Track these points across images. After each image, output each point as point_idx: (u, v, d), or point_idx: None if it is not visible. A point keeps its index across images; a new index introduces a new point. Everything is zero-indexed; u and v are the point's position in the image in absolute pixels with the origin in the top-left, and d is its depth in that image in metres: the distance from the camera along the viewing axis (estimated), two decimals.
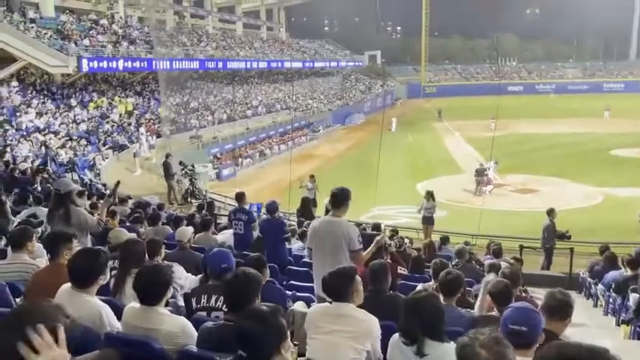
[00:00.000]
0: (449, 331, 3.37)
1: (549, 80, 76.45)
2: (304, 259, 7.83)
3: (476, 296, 5.92)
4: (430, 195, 16.07)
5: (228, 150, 31.21)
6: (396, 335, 3.30)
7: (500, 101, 55.55)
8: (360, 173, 24.60)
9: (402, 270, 7.86)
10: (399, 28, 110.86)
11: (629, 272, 8.60)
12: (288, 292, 5.46)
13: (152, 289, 3.31)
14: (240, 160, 30.61)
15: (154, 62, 30.77)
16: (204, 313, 3.96)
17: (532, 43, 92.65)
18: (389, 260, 6.98)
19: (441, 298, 4.03)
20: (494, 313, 4.23)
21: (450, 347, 2.99)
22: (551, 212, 13.32)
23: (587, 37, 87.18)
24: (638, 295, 7.53)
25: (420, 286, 5.60)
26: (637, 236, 13.53)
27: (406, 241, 12.45)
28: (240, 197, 9.24)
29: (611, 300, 8.96)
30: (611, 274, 9.23)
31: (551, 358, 1.48)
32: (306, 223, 11.30)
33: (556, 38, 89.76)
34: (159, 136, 27.55)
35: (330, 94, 56.34)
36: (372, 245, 5.41)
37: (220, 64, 42.24)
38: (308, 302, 5.05)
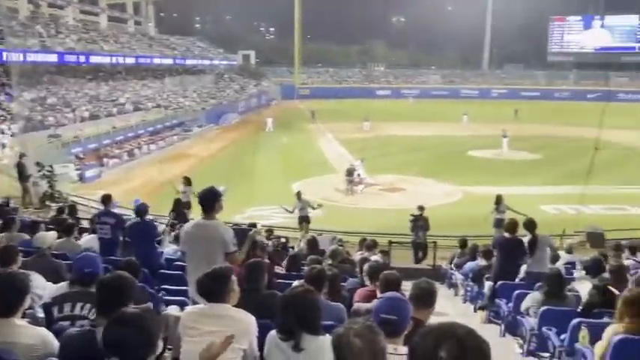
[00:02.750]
0: (323, 324, 3.44)
1: (414, 85, 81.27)
2: (177, 263, 7.60)
3: (349, 290, 6.10)
4: (299, 195, 16.58)
5: (92, 150, 29.26)
6: (273, 332, 3.31)
7: (370, 105, 58.31)
8: (235, 173, 24.39)
9: (279, 269, 7.90)
10: (272, 29, 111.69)
11: (484, 262, 9.37)
12: (160, 296, 5.26)
13: (7, 300, 3.03)
14: (105, 160, 28.77)
15: (4, 54, 28.13)
16: (67, 323, 3.67)
17: (399, 50, 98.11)
18: (266, 260, 6.97)
19: None
20: (370, 304, 4.39)
21: (326, 339, 3.05)
22: (422, 209, 14.32)
23: (447, 46, 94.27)
24: (491, 283, 8.24)
25: (296, 283, 5.65)
26: (491, 229, 14.83)
27: (282, 239, 12.56)
28: (106, 200, 8.76)
29: (469, 288, 9.72)
30: (469, 265, 10.02)
31: (433, 334, 1.54)
32: (178, 225, 10.93)
33: (419, 46, 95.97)
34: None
35: (203, 92, 55.15)
36: (247, 242, 5.37)
37: (82, 58, 39.59)
38: (182, 306, 4.91)
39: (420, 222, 14.15)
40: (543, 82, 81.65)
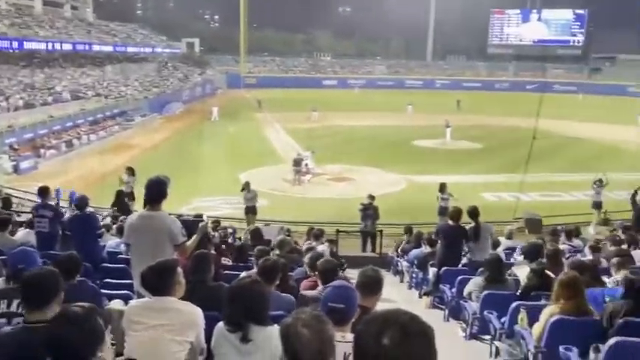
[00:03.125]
0: (271, 315, 3.44)
1: (360, 76, 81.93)
2: (121, 256, 7.41)
3: (297, 280, 6.12)
4: (247, 185, 16.47)
5: (27, 140, 28.00)
6: (221, 324, 3.28)
7: (317, 94, 58.36)
8: (180, 164, 23.92)
9: (225, 260, 7.83)
10: (216, 16, 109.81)
11: (428, 249, 9.60)
12: (103, 290, 5.12)
13: None
14: (42, 151, 27.58)
15: None
16: (3, 320, 3.51)
17: (345, 40, 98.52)
18: (213, 251, 6.90)
19: None
20: (316, 292, 4.42)
21: (274, 330, 3.05)
22: (372, 198, 14.50)
23: (392, 37, 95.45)
24: (436, 270, 8.45)
25: (243, 274, 5.61)
26: (435, 217, 15.21)
27: (229, 230, 12.45)
28: (43, 192, 8.42)
29: (414, 275, 9.93)
30: (414, 252, 10.23)
31: (376, 321, 1.56)
32: (122, 217, 10.66)
33: (365, 37, 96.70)
34: None
35: (145, 81, 53.66)
36: (197, 234, 5.29)
37: (15, 44, 37.70)
38: (126, 300, 4.78)
39: (369, 211, 14.34)
40: (484, 73, 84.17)
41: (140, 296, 4.37)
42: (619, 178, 19.05)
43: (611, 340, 3.89)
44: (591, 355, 4.17)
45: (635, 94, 67.38)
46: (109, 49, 53.69)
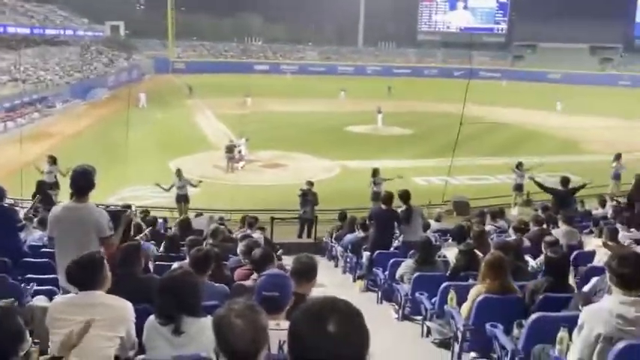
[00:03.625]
0: (205, 305, 3.39)
1: (292, 61, 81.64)
2: (44, 250, 7.06)
3: (231, 269, 6.06)
4: (179, 173, 16.10)
5: None
6: (152, 317, 3.20)
7: (248, 80, 57.62)
8: (106, 152, 23.04)
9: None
10: None
11: (362, 234, 9.76)
12: (25, 286, 4.87)
13: None
14: None
15: None
16: None
17: (276, 25, 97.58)
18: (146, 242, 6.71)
19: None
20: (251, 281, 4.40)
21: (207, 321, 3.01)
22: (310, 184, 14.59)
23: (324, 22, 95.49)
24: (369, 254, 8.61)
25: (175, 265, 5.50)
26: (369, 202, 15.45)
27: (160, 220, 12.13)
28: None
29: (348, 259, 10.08)
30: (348, 237, 10.38)
31: (316, 309, 1.58)
32: (44, 209, 10.14)
33: (297, 22, 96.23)
34: None
35: (66, 65, 51.04)
36: (121, 225, 5.10)
37: None
38: (50, 295, 4.57)
39: (308, 197, 14.38)
40: (414, 59, 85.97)
41: (65, 292, 4.20)
42: (539, 161, 20.02)
43: (533, 316, 4.11)
44: (515, 330, 4.39)
45: (555, 80, 71.13)
46: (25, 31, 50.62)
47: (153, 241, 8.44)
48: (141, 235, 7.99)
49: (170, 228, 11.71)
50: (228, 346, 2.01)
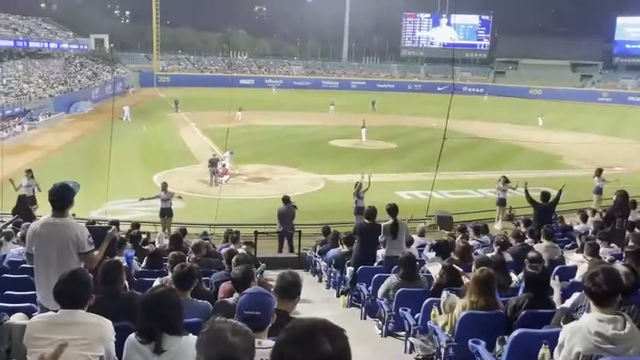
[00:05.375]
0: (186, 322, 3.36)
1: (277, 75, 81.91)
2: (23, 266, 6.94)
3: (216, 284, 6.01)
4: (164, 186, 16.00)
5: None
6: (132, 335, 3.15)
7: (234, 94, 57.56)
8: (90, 166, 22.83)
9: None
10: (127, 12, 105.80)
11: (345, 249, 9.75)
12: (3, 304, 4.77)
13: None
14: None
15: None
16: None
17: (261, 39, 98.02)
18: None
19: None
20: (232, 298, 4.36)
21: (189, 340, 2.98)
22: (287, 199, 14.48)
23: (309, 37, 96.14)
24: (352, 269, 8.60)
25: (157, 281, 5.44)
26: (352, 216, 15.46)
27: (143, 235, 11.99)
28: None
29: (332, 274, 10.06)
30: (332, 252, 10.35)
31: (308, 329, 1.61)
32: (24, 224, 10.00)
33: (282, 37, 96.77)
34: None
35: (50, 78, 50.70)
36: (105, 241, 5.05)
37: None
38: (29, 313, 4.48)
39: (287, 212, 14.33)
40: (397, 74, 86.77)
41: (44, 309, 4.13)
42: (522, 176, 20.22)
43: (515, 332, 4.13)
44: (497, 346, 4.41)
45: (536, 96, 72.17)
46: (9, 43, 50.22)
47: (136, 257, 8.35)
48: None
49: (153, 243, 11.59)
50: None
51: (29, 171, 15.29)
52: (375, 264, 8.68)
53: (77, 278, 3.41)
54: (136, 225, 11.63)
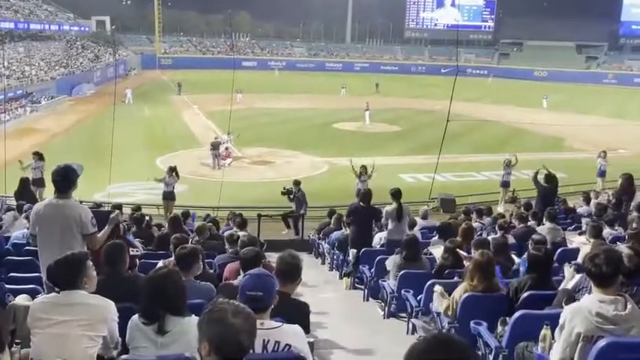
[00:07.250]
0: (190, 304, 3.38)
1: (280, 58, 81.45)
2: (27, 247, 6.99)
3: (219, 266, 6.06)
4: (172, 169, 15.80)
5: None
6: (135, 317, 3.18)
7: (236, 76, 57.25)
8: (92, 149, 22.81)
9: (134, 251, 7.55)
10: None
11: (347, 231, 9.77)
12: (8, 285, 4.81)
13: None
14: None
15: None
16: None
17: (264, 21, 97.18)
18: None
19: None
20: (236, 281, 4.38)
21: (192, 320, 3.00)
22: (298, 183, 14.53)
23: (312, 19, 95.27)
24: (355, 251, 8.62)
25: (160, 263, 5.47)
26: (355, 199, 15.44)
27: (147, 218, 12.02)
28: None
29: (335, 257, 10.10)
30: (335, 234, 10.39)
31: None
32: (27, 206, 10.03)
33: (285, 19, 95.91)
34: None
35: (52, 61, 50.49)
36: (108, 225, 5.07)
37: None
38: (33, 294, 4.52)
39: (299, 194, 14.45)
40: (401, 56, 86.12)
41: (50, 290, 4.16)
42: (526, 158, 20.15)
43: (517, 313, 4.14)
44: (499, 328, 4.43)
45: (541, 77, 71.65)
46: (9, 25, 49.97)
47: (139, 239, 8.38)
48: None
49: (156, 226, 11.61)
50: (225, 344, 2.01)
51: (37, 153, 15.28)
52: (378, 247, 8.71)
53: (67, 260, 3.42)
54: (137, 208, 11.65)
